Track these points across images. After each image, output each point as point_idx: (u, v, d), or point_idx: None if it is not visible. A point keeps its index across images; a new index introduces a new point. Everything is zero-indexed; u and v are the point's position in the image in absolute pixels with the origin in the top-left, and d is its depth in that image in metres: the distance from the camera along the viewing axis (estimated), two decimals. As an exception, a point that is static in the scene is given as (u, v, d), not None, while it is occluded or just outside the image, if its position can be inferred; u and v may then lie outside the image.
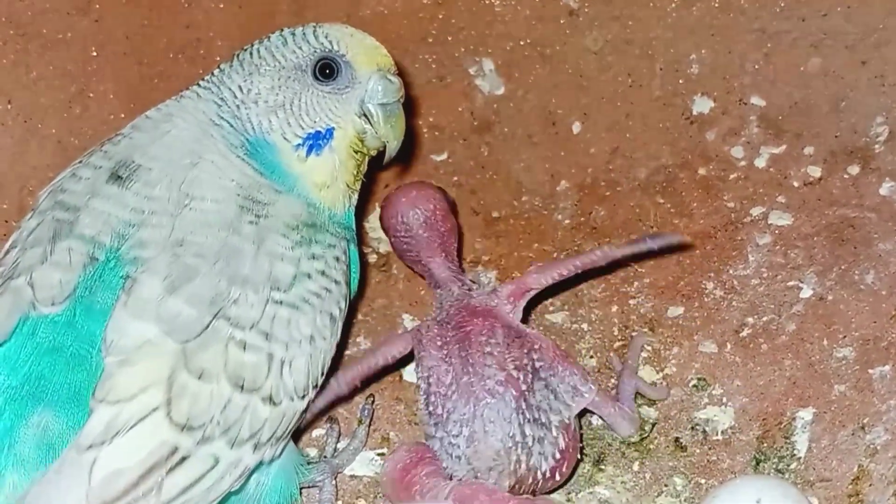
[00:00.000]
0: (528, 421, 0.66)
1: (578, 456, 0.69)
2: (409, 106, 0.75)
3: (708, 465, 0.71)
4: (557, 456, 0.67)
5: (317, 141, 0.69)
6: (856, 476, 0.68)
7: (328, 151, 0.69)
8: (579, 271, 0.72)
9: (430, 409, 0.68)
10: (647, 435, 0.72)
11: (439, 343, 0.70)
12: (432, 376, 0.69)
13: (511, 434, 0.66)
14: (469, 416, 0.66)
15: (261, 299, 0.62)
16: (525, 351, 0.69)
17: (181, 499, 0.58)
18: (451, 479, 0.66)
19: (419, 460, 0.67)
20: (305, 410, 0.66)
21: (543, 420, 0.67)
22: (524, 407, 0.66)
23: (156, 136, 0.68)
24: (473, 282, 0.76)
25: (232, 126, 0.68)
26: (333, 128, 0.69)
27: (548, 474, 0.67)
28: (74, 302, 0.60)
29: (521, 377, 0.67)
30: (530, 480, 0.66)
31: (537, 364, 0.68)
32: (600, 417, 0.71)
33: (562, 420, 0.67)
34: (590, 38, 0.88)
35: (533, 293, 0.73)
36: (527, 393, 0.67)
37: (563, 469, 0.68)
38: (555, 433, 0.67)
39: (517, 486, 0.66)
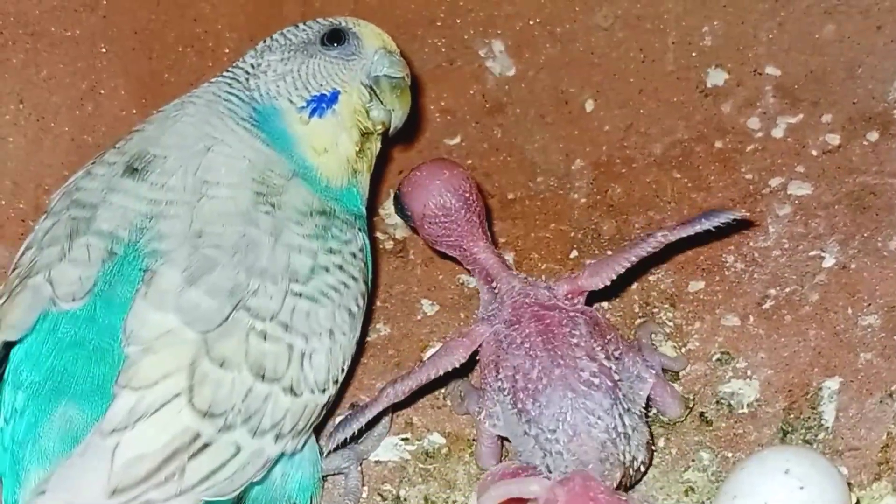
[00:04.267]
0: (626, 411, 0.64)
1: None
2: (418, 90, 0.75)
3: (734, 438, 0.70)
4: (646, 444, 0.65)
5: (321, 104, 0.70)
6: (885, 444, 0.67)
7: (331, 115, 0.70)
8: (634, 264, 0.68)
9: (520, 406, 0.65)
10: (691, 410, 0.71)
11: (519, 340, 0.66)
12: (518, 373, 0.65)
13: (613, 426, 0.63)
14: (567, 408, 0.63)
15: (280, 291, 0.62)
16: (605, 340, 0.66)
17: (203, 486, 0.58)
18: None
19: (525, 469, 0.64)
20: (327, 405, 0.66)
21: (633, 409, 0.65)
22: (620, 397, 0.64)
23: (168, 126, 0.69)
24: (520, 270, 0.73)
25: (240, 98, 0.70)
26: (339, 91, 0.70)
27: (642, 466, 0.65)
28: (94, 297, 0.61)
29: (613, 366, 0.65)
30: (631, 472, 0.64)
31: (615, 353, 0.66)
32: (651, 400, 0.69)
33: (640, 410, 0.66)
34: (600, 15, 0.88)
35: (587, 290, 0.70)
36: (619, 382, 0.65)
37: (649, 459, 0.66)
38: (642, 422, 0.65)
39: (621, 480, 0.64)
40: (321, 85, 0.70)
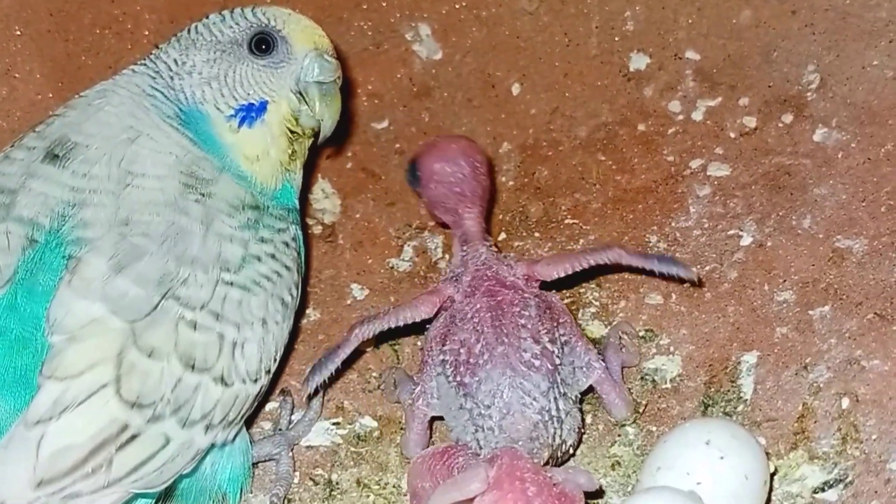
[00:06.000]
0: (562, 395, 0.66)
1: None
2: (346, 86, 0.74)
3: (658, 412, 0.72)
4: (577, 430, 0.67)
5: (249, 113, 0.68)
6: (801, 414, 0.70)
7: (260, 124, 0.69)
8: (587, 267, 0.71)
9: (459, 378, 0.66)
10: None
11: (469, 314, 0.68)
12: (463, 347, 0.67)
13: (547, 409, 0.65)
14: (504, 386, 0.65)
15: (210, 280, 0.62)
16: (554, 324, 0.68)
17: (131, 477, 0.57)
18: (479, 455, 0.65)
19: (455, 448, 0.66)
20: (259, 395, 0.66)
21: (569, 395, 0.66)
22: (558, 381, 0.66)
23: (90, 113, 0.67)
24: (498, 249, 0.75)
25: (165, 96, 0.68)
26: (267, 101, 0.69)
27: (571, 450, 0.67)
28: (15, 286, 0.59)
29: (556, 350, 0.66)
30: (559, 454, 0.66)
31: (563, 338, 0.68)
32: (600, 398, 0.71)
33: (576, 395, 0.68)
34: (525, -1, 0.88)
35: (541, 279, 0.71)
36: (560, 367, 0.66)
37: (577, 442, 0.68)
38: (576, 407, 0.67)
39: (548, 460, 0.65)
40: (249, 94, 0.68)
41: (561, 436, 0.65)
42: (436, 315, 0.71)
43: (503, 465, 0.61)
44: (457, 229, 0.75)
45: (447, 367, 0.67)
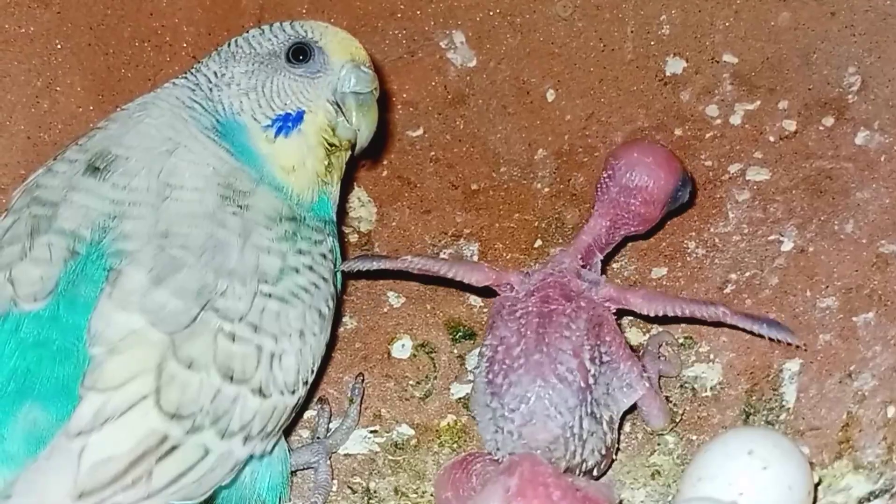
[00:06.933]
0: (588, 414, 0.65)
1: (614, 456, 0.69)
2: (382, 96, 0.74)
3: (698, 421, 0.71)
4: (604, 452, 0.66)
5: (286, 123, 0.69)
6: (845, 423, 0.69)
7: (296, 134, 0.69)
8: (684, 315, 0.69)
9: (490, 377, 0.66)
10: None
11: (518, 314, 0.68)
12: (502, 345, 0.67)
13: (571, 425, 0.64)
14: (533, 394, 0.65)
15: (248, 292, 0.62)
16: (598, 342, 0.67)
17: (171, 488, 0.58)
18: (497, 462, 0.65)
19: (475, 456, 0.66)
20: (296, 406, 0.66)
21: (598, 415, 0.66)
22: (589, 399, 0.65)
23: (130, 126, 0.68)
24: (602, 271, 0.73)
25: (204, 108, 0.69)
26: (304, 111, 0.69)
27: (594, 471, 0.67)
28: (57, 297, 0.60)
29: (593, 369, 0.66)
30: (576, 473, 0.66)
31: (604, 358, 0.67)
32: (639, 408, 0.70)
33: (611, 416, 0.67)
34: (559, 5, 0.88)
35: (627, 308, 0.70)
36: (593, 386, 0.66)
37: (603, 466, 0.67)
38: (605, 428, 0.66)
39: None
40: (286, 104, 0.69)
41: (581, 454, 0.65)
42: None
43: (524, 472, 0.60)
44: (584, 226, 0.73)
45: (484, 361, 0.67)
